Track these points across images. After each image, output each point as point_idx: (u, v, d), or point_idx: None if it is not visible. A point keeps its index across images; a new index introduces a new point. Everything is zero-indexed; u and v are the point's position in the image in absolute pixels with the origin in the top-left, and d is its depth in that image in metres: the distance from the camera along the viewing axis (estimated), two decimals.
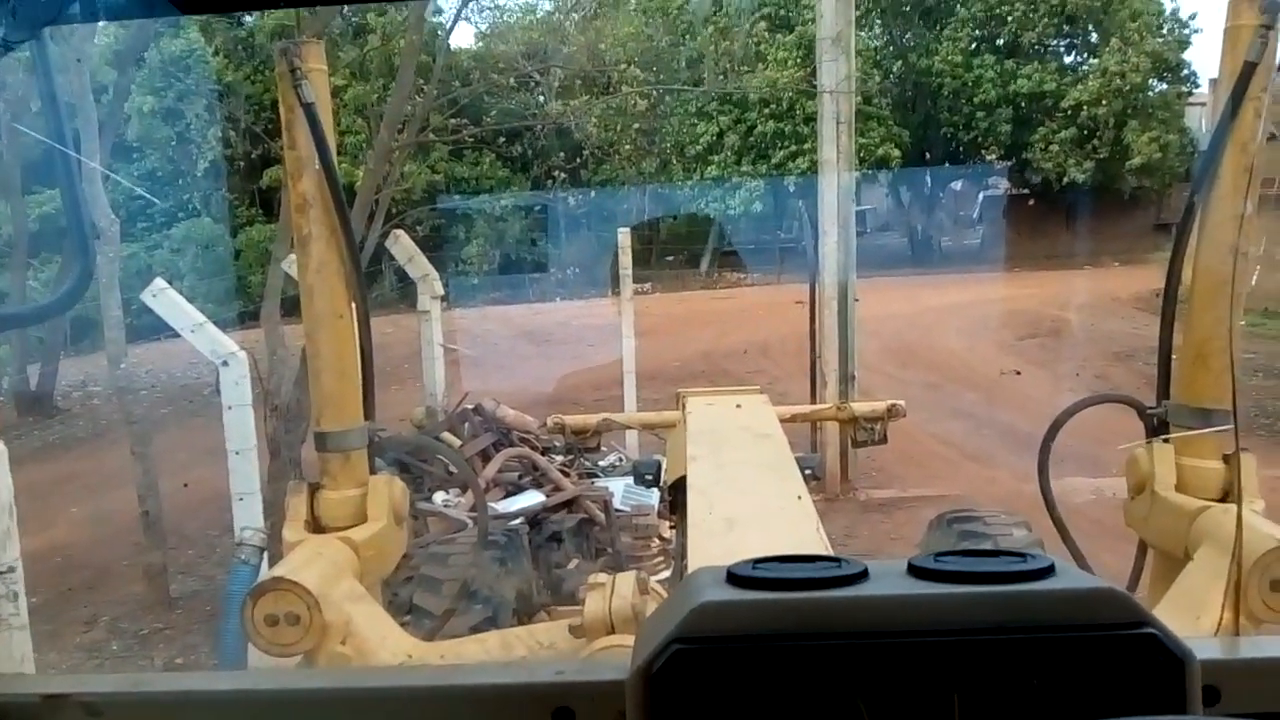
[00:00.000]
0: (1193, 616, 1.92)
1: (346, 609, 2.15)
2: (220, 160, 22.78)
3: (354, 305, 2.46)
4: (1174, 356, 2.36)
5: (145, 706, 0.85)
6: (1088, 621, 0.72)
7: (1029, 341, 17.34)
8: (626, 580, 1.93)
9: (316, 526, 2.45)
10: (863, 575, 0.77)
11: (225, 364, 5.51)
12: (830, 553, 1.85)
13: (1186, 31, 28.75)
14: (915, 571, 0.77)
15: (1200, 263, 2.29)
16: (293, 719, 0.86)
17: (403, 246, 8.87)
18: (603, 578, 1.93)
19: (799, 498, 2.23)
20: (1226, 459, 2.27)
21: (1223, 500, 2.23)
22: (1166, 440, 2.29)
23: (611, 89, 18.04)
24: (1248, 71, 2.23)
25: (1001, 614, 0.72)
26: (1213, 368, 2.27)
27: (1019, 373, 14.86)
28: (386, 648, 2.13)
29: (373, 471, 2.47)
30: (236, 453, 5.59)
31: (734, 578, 0.78)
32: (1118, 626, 0.72)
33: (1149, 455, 2.29)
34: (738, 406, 3.95)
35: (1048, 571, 0.75)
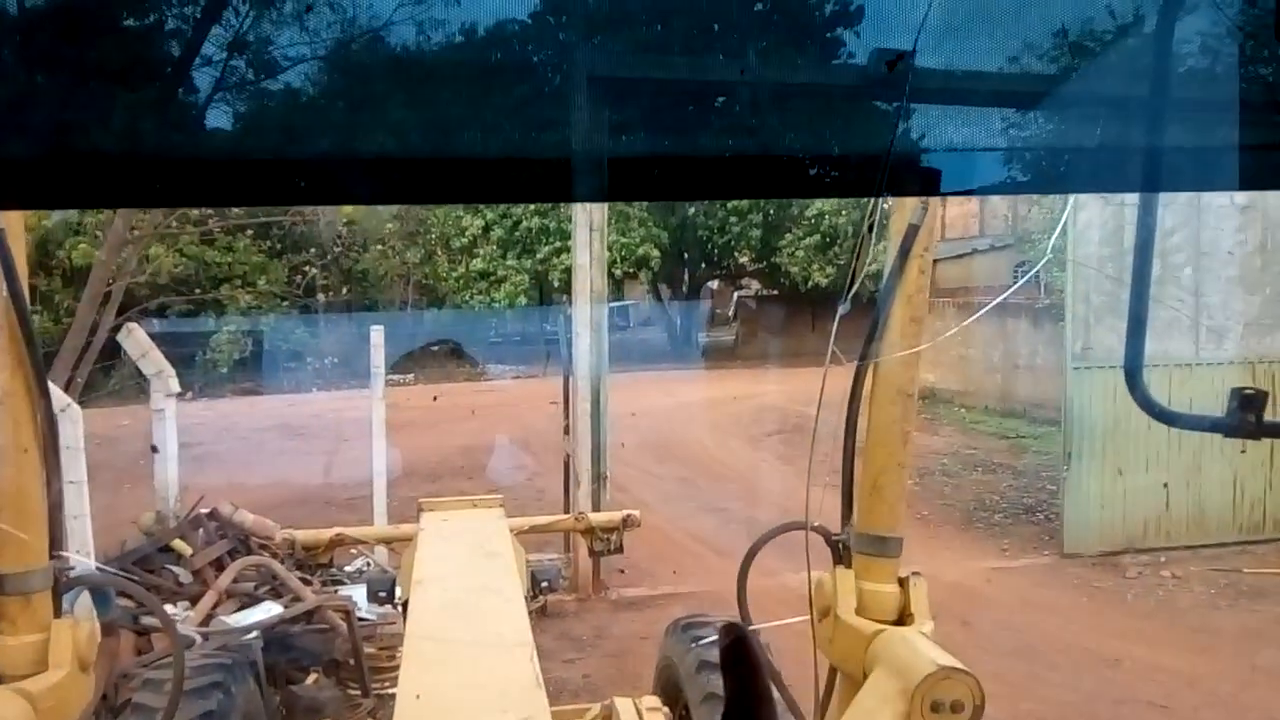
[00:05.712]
0: None
1: None
2: None
3: (42, 433, 2.34)
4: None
5: None
6: None
7: (775, 437, 18.21)
8: None
9: None
10: None
11: None
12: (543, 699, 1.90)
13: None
14: None
15: (875, 401, 2.53)
16: None
17: (135, 341, 8.38)
18: None
19: (519, 645, 2.25)
20: (902, 582, 2.48)
21: (898, 622, 2.43)
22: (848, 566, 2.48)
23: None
24: (911, 233, 2.51)
25: None
26: (887, 498, 2.50)
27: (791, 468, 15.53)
28: None
29: (58, 614, 2.32)
30: None
31: None
32: None
33: (832, 580, 2.47)
34: (473, 521, 3.96)
35: None
